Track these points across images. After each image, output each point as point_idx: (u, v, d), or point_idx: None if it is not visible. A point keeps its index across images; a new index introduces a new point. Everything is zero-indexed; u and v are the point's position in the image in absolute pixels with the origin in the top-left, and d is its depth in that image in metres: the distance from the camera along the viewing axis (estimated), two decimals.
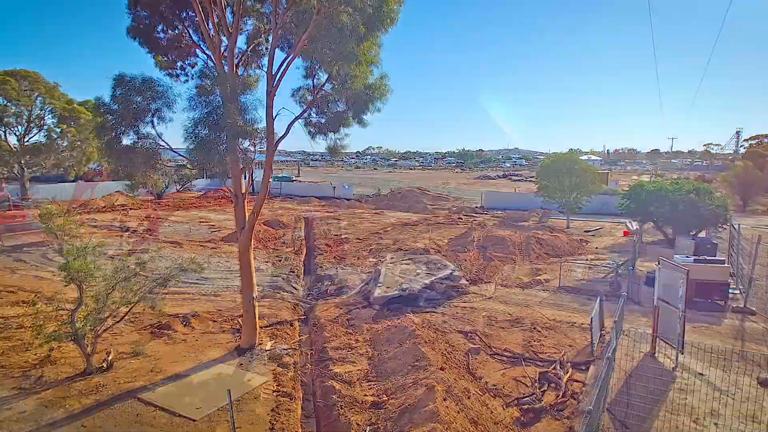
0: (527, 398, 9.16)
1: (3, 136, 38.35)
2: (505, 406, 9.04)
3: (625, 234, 27.06)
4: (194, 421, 8.41)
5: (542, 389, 9.46)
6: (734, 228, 21.03)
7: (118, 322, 10.87)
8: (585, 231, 30.27)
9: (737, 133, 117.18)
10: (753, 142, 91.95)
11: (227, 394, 7.56)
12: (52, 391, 9.20)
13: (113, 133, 9.71)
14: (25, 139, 39.43)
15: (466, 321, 13.63)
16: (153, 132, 10.08)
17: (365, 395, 9.32)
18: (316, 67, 11.31)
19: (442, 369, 9.93)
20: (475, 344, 11.89)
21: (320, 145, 12.38)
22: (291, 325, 13.49)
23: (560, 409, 8.87)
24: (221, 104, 9.09)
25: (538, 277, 18.70)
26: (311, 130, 11.94)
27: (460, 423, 8.01)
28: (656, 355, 11.09)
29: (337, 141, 11.97)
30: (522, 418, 8.64)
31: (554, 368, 10.27)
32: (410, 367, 10.19)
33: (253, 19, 11.84)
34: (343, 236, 26.96)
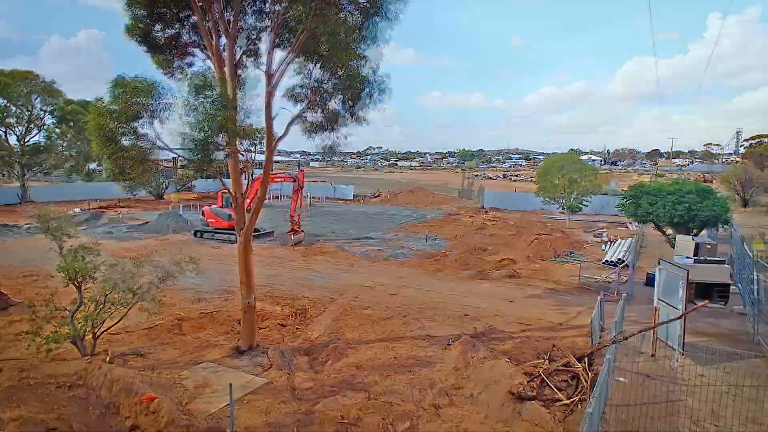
0: None
1: (4, 137, 38.37)
2: None
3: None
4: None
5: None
6: (734, 228, 21.03)
7: (117, 322, 10.85)
8: (584, 231, 30.25)
9: (737, 133, 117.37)
10: (753, 142, 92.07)
11: (229, 388, 7.76)
12: None
13: (112, 134, 9.70)
14: (25, 140, 39.44)
15: None
16: (151, 132, 10.07)
17: None
18: (314, 64, 11.29)
19: None
20: None
21: (318, 144, 12.35)
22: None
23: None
24: (220, 105, 9.07)
25: None
26: (308, 128, 11.91)
27: None
28: (656, 356, 11.07)
29: (335, 140, 11.95)
30: None
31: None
32: None
33: (251, 18, 11.81)
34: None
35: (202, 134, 8.77)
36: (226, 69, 10.65)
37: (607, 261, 21.33)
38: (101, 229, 29.30)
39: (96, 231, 27.93)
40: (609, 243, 26.11)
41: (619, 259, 20.54)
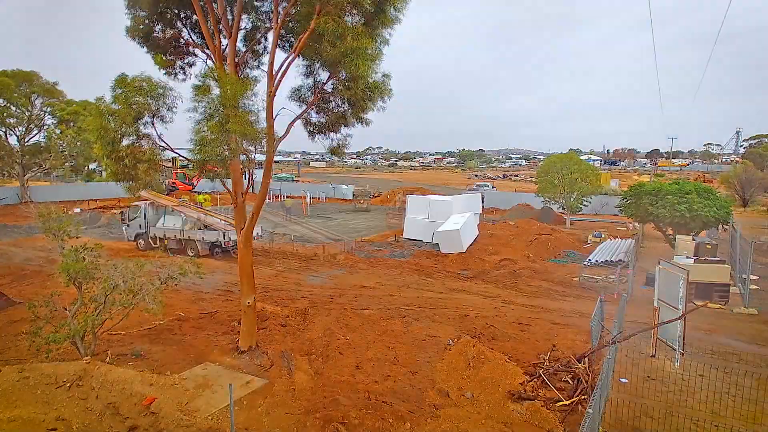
0: None
1: (4, 137, 38.33)
2: None
3: None
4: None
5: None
6: (734, 228, 21.03)
7: (117, 323, 10.84)
8: (584, 231, 30.20)
9: (737, 133, 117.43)
10: (753, 142, 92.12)
11: (229, 388, 7.78)
12: None
13: (114, 134, 9.68)
14: (25, 140, 39.41)
15: None
16: (153, 132, 10.06)
17: None
18: (317, 65, 11.27)
19: None
20: None
21: (321, 144, 12.29)
22: None
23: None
24: (227, 105, 9.04)
25: None
26: (310, 129, 11.90)
27: None
28: (656, 356, 11.07)
29: (339, 141, 11.90)
30: None
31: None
32: None
33: (253, 18, 11.81)
34: None
35: (213, 134, 8.70)
36: (227, 69, 10.64)
37: (594, 261, 21.01)
38: (100, 229, 29.34)
39: (95, 231, 27.96)
40: (608, 243, 26.15)
41: (607, 260, 20.49)
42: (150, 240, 23.51)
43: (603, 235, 28.14)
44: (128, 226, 24.48)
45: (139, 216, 24.03)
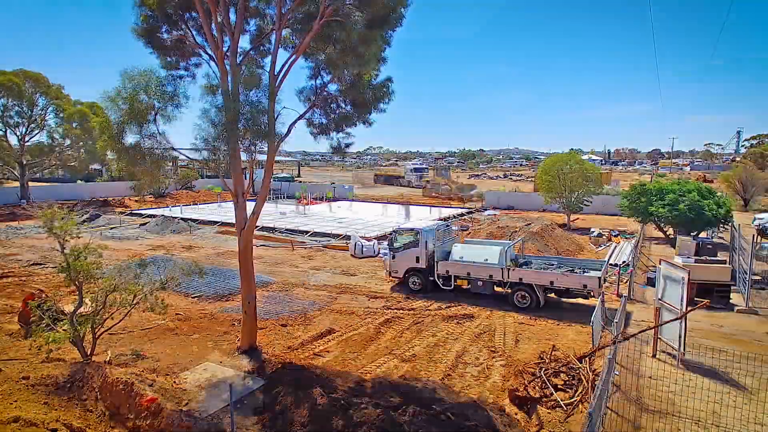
0: None
1: (5, 136, 38.31)
2: None
3: None
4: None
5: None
6: (735, 228, 21.00)
7: (117, 323, 10.83)
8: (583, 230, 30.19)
9: (738, 132, 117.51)
10: (753, 141, 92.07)
11: (229, 388, 7.84)
12: None
13: (117, 129, 9.67)
14: (26, 139, 39.40)
15: None
16: (156, 130, 10.06)
17: None
18: (321, 67, 11.28)
19: None
20: None
21: (323, 145, 12.35)
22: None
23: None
24: (243, 103, 9.05)
25: None
26: (314, 130, 11.91)
27: None
28: (657, 356, 11.06)
29: (341, 141, 11.90)
30: None
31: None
32: None
33: (256, 19, 11.80)
34: None
35: (221, 131, 8.73)
36: (229, 69, 10.64)
37: (611, 265, 21.06)
38: (100, 229, 29.33)
39: (94, 231, 27.95)
40: (608, 242, 26.08)
41: (623, 262, 20.45)
42: (438, 279, 16.41)
43: (604, 236, 28.07)
44: (393, 256, 17.21)
45: (419, 244, 16.57)
